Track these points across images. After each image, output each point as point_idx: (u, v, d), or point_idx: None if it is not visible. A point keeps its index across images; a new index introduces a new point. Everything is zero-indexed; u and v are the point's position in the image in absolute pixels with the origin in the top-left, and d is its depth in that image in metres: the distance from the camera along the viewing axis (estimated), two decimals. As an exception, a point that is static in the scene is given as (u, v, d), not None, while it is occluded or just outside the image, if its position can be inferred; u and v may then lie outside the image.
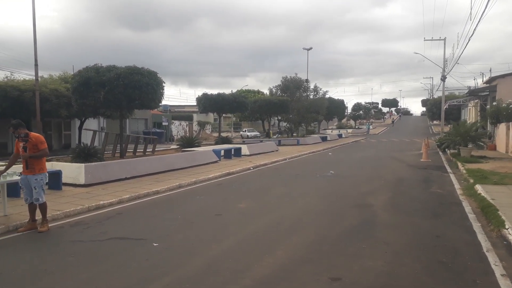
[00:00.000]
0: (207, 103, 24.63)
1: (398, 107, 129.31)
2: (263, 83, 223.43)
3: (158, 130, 37.07)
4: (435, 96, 67.41)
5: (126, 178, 11.86)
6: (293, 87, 35.84)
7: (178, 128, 46.31)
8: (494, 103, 23.54)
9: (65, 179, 10.44)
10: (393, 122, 77.46)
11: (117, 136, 16.62)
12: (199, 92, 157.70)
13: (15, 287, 4.50)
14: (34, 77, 17.95)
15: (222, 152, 18.98)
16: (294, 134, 38.08)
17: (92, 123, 28.06)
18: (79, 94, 13.50)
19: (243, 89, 60.24)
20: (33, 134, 6.77)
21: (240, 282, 4.41)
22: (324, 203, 8.93)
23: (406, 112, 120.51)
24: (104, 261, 5.20)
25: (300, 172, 14.60)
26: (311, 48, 39.67)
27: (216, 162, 17.06)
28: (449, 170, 14.86)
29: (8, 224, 6.77)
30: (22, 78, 23.41)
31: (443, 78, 38.28)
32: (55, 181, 10.02)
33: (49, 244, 6.06)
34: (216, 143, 24.52)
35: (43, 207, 6.71)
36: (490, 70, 53.63)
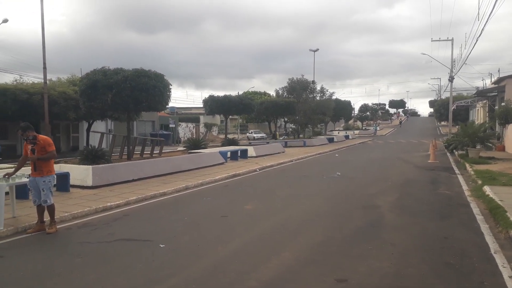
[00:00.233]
0: (213, 105, 24.69)
1: (406, 108, 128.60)
2: (270, 84, 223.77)
3: (165, 132, 37.22)
4: (443, 97, 66.95)
5: (133, 180, 11.94)
6: (299, 89, 35.77)
7: (185, 130, 46.49)
8: (503, 104, 23.34)
9: (73, 181, 10.53)
10: (400, 123, 76.95)
11: (125, 138, 16.70)
12: (206, 94, 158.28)
13: (24, 288, 4.55)
14: (42, 80, 18.13)
15: (229, 154, 19.01)
16: (301, 136, 38.00)
17: (99, 126, 28.28)
18: (87, 96, 13.60)
19: (250, 90, 60.35)
20: (41, 136, 6.84)
21: (246, 284, 4.42)
22: (330, 205, 8.91)
23: (413, 113, 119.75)
24: (111, 262, 5.24)
25: (306, 174, 14.58)
26: (317, 50, 39.54)
27: (222, 163, 17.09)
28: (457, 171, 14.75)
29: (17, 225, 6.84)
30: (31, 81, 23.71)
31: (451, 79, 37.96)
32: (63, 183, 10.11)
33: (57, 246, 6.12)
34: (223, 145, 24.54)
35: (51, 209, 6.78)
36: (499, 71, 53.09)
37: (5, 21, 24.20)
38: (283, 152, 24.47)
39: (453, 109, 39.97)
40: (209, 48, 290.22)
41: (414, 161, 18.80)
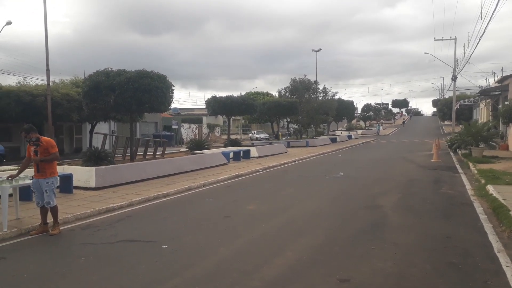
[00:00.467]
0: (216, 105, 24.74)
1: (409, 108, 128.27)
2: (272, 85, 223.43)
3: (168, 133, 37.28)
4: (446, 96, 66.80)
5: (136, 181, 11.96)
6: (302, 89, 35.75)
7: (187, 131, 46.55)
8: (506, 103, 23.23)
9: (76, 182, 10.57)
10: (403, 122, 76.72)
11: (127, 140, 16.78)
12: (208, 95, 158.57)
13: (27, 289, 4.57)
14: (46, 82, 18.19)
15: (231, 155, 19.02)
16: (303, 136, 38.00)
17: (103, 127, 28.35)
18: (90, 98, 13.67)
19: (252, 91, 60.30)
20: (44, 138, 6.87)
21: (249, 284, 4.42)
22: (333, 205, 8.91)
23: (416, 113, 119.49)
24: (114, 263, 5.26)
25: (309, 174, 14.57)
26: (320, 50, 39.51)
27: (225, 164, 17.10)
28: (460, 170, 14.70)
29: (20, 227, 6.87)
30: (34, 83, 23.82)
31: (454, 78, 37.86)
32: (66, 184, 10.14)
33: (60, 247, 6.14)
34: (225, 146, 24.57)
35: (55, 210, 6.80)
36: (502, 70, 52.95)
37: (9, 23, 24.35)
38: (286, 152, 24.46)
39: (456, 108, 39.86)
40: (212, 49, 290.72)
41: (417, 160, 18.75)
